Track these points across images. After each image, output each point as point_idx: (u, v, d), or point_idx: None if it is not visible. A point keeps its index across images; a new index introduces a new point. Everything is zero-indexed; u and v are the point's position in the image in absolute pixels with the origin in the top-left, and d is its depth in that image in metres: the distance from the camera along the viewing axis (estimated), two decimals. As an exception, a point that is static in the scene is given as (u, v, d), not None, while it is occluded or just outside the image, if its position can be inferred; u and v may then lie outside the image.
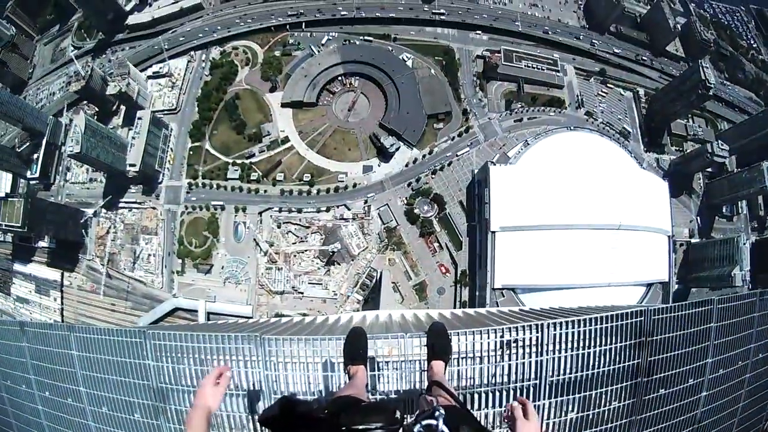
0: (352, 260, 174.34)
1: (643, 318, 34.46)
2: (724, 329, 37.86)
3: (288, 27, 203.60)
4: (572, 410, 33.98)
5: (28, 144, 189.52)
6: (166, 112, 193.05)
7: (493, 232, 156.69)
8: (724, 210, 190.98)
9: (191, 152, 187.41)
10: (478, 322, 43.04)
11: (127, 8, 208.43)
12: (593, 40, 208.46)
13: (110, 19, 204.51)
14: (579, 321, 33.76)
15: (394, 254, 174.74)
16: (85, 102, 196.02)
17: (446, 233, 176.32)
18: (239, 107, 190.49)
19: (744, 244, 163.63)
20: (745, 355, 40.02)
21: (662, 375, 35.37)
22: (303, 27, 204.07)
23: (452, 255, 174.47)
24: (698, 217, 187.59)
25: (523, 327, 33.88)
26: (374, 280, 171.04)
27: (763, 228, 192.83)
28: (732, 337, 38.56)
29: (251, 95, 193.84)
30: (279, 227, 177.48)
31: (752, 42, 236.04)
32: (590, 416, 34.30)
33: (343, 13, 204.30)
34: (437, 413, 11.01)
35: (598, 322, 33.92)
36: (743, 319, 39.18)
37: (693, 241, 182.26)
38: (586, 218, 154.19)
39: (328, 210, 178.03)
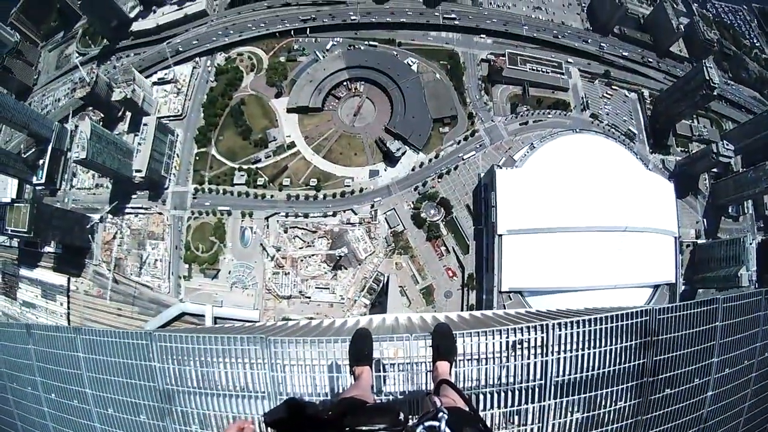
0: (359, 264, 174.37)
1: (648, 318, 34.38)
2: (730, 328, 37.72)
3: (292, 32, 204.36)
4: (577, 410, 33.91)
5: (33, 150, 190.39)
6: (171, 118, 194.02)
7: (500, 236, 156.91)
8: (730, 210, 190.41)
9: (197, 158, 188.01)
10: (484, 324, 43.06)
11: (132, 15, 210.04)
12: (601, 43, 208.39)
13: (114, 26, 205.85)
14: (583, 321, 33.72)
15: (401, 258, 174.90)
16: (90, 108, 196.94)
17: (453, 237, 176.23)
18: (245, 113, 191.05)
19: (750, 244, 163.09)
20: (751, 354, 39.85)
21: (668, 375, 35.28)
22: (307, 32, 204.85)
23: (459, 258, 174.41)
24: (704, 218, 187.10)
25: (528, 327, 33.83)
26: (381, 284, 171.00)
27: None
28: (737, 336, 38.39)
29: (257, 101, 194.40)
30: (286, 232, 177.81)
31: (755, 41, 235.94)
32: (595, 416, 34.25)
33: (353, 17, 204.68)
34: (440, 414, 10.99)
35: (603, 322, 33.87)
36: (749, 318, 38.99)
37: (699, 241, 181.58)
38: (593, 220, 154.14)
39: (334, 215, 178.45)
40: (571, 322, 33.79)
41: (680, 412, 36.54)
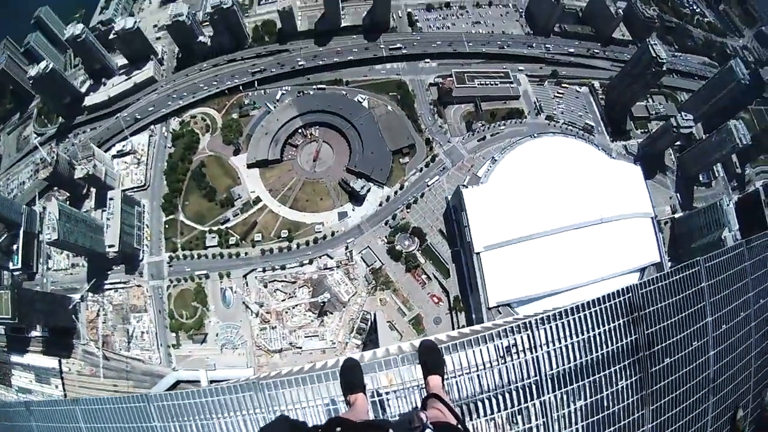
0: (344, 307, 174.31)
1: (630, 294, 34.76)
2: (717, 286, 38.24)
3: (241, 88, 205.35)
4: (579, 398, 34.01)
5: (5, 235, 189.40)
6: (135, 189, 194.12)
7: (478, 254, 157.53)
8: (701, 178, 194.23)
9: (167, 225, 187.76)
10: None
11: (83, 90, 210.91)
12: (546, 45, 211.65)
13: (67, 103, 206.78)
14: (564, 312, 34.21)
15: (384, 294, 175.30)
16: (55, 188, 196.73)
17: (432, 264, 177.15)
18: (206, 174, 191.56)
19: (728, 205, 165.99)
20: (746, 306, 40.35)
21: (664, 345, 35.64)
22: (256, 85, 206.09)
23: (442, 284, 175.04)
24: (677, 192, 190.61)
25: (512, 329, 34.04)
26: (369, 323, 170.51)
27: (743, 185, 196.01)
28: (727, 292, 38.91)
29: (216, 161, 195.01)
30: (266, 287, 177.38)
31: (695, 7, 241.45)
32: (599, 401, 34.36)
33: (301, 63, 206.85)
34: (426, 430, 11.24)
35: (584, 309, 34.22)
36: (735, 271, 39.58)
37: (677, 216, 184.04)
38: (567, 219, 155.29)
39: (311, 262, 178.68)
40: (553, 315, 34.21)
41: (685, 377, 36.97)
